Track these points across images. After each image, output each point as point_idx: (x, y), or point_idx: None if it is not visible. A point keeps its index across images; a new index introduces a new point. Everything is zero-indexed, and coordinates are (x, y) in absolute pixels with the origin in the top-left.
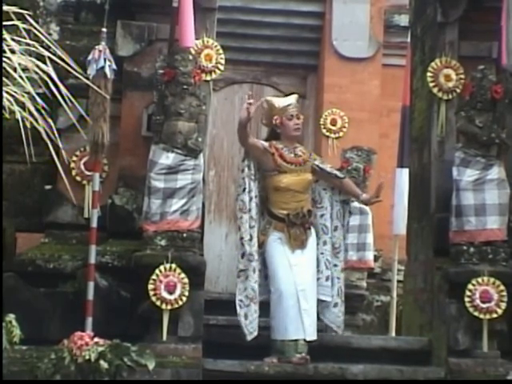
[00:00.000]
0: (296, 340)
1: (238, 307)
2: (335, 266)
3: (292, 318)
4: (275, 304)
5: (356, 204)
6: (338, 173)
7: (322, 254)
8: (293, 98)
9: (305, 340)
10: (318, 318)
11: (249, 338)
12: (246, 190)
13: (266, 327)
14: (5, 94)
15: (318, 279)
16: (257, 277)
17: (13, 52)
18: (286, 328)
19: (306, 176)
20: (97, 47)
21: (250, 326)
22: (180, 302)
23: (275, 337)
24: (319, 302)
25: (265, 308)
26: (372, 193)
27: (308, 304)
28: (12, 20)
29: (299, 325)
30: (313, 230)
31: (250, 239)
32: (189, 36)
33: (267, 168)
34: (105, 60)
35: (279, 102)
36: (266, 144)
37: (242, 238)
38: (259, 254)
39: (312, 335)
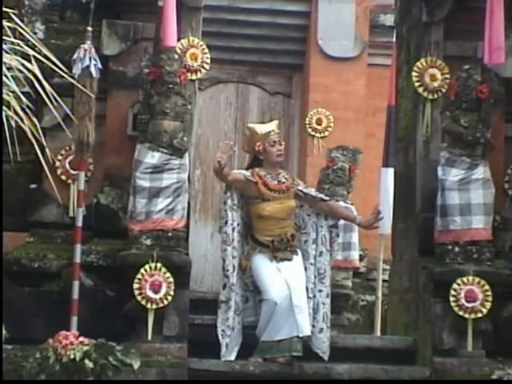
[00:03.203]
0: (290, 338)
1: (220, 337)
2: (320, 291)
3: (285, 318)
4: (269, 311)
5: (342, 203)
6: (323, 196)
7: None
8: (274, 125)
9: (298, 337)
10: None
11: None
12: (229, 222)
13: (250, 326)
14: None
15: None
16: (239, 306)
17: None
18: (281, 328)
19: (290, 203)
20: (82, 46)
21: (228, 354)
22: (165, 302)
23: (271, 337)
24: None
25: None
26: (369, 217)
27: (300, 300)
28: None
29: (293, 323)
30: (299, 251)
31: (233, 270)
32: (171, 35)
33: (250, 196)
34: (90, 59)
35: (261, 128)
36: (248, 173)
37: (226, 271)
38: (243, 279)
39: (305, 331)
